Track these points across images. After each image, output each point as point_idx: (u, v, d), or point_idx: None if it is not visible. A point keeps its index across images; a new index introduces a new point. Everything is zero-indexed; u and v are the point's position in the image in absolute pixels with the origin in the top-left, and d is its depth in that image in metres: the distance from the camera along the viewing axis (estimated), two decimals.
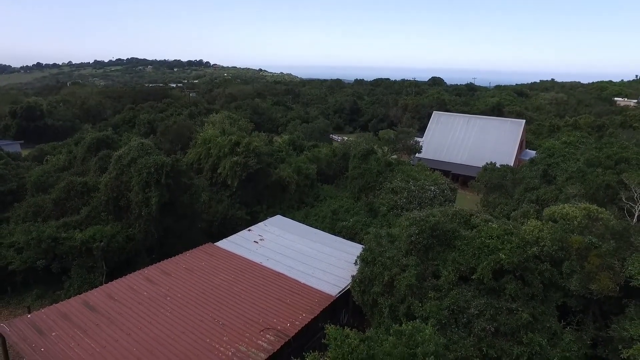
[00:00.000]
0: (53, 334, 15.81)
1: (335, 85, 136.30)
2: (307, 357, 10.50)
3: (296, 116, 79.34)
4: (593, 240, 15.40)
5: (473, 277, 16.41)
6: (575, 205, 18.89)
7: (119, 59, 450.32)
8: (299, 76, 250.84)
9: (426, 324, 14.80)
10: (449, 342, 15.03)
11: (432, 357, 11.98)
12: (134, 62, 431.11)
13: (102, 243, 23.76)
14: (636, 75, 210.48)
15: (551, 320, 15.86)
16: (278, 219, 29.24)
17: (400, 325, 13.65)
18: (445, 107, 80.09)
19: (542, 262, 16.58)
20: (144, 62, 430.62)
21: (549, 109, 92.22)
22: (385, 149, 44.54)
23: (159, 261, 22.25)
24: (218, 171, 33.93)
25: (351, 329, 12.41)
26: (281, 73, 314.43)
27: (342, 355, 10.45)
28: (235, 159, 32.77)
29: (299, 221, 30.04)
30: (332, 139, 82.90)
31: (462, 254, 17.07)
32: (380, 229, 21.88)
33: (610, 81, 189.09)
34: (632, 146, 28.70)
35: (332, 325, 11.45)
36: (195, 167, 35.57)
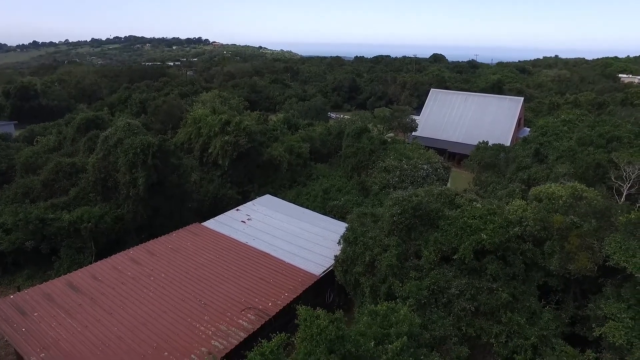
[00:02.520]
0: (35, 314, 15.96)
1: (334, 63, 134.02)
2: (275, 337, 10.50)
3: (293, 94, 78.23)
4: (574, 220, 15.21)
5: (455, 257, 16.34)
6: (561, 185, 18.62)
7: (117, 37, 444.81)
8: (299, 54, 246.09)
9: (405, 304, 14.84)
10: (428, 322, 15.08)
11: (405, 337, 12.00)
12: (132, 40, 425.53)
13: (90, 224, 23.81)
14: None
15: (531, 299, 15.84)
16: (267, 198, 29.15)
17: (376, 305, 13.67)
18: (444, 85, 78.82)
19: (525, 242, 16.44)
20: (142, 40, 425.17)
21: (550, 86, 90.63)
22: (381, 127, 44.04)
23: (148, 240, 22.32)
24: (209, 151, 33.68)
25: (337, 309, 12.41)
26: (281, 50, 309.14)
27: (310, 336, 10.45)
28: (225, 138, 32.47)
29: (290, 200, 29.94)
30: (330, 117, 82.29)
31: (445, 234, 16.94)
32: (371, 208, 21.73)
33: (616, 57, 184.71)
34: (624, 124, 28.09)
35: (303, 306, 11.43)
36: (185, 147, 35.31)
